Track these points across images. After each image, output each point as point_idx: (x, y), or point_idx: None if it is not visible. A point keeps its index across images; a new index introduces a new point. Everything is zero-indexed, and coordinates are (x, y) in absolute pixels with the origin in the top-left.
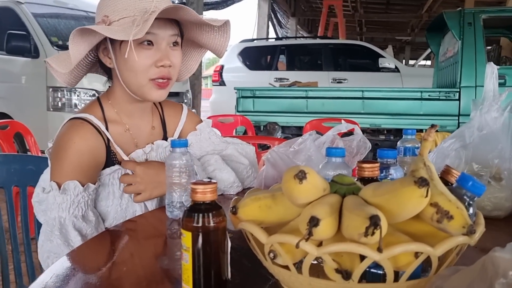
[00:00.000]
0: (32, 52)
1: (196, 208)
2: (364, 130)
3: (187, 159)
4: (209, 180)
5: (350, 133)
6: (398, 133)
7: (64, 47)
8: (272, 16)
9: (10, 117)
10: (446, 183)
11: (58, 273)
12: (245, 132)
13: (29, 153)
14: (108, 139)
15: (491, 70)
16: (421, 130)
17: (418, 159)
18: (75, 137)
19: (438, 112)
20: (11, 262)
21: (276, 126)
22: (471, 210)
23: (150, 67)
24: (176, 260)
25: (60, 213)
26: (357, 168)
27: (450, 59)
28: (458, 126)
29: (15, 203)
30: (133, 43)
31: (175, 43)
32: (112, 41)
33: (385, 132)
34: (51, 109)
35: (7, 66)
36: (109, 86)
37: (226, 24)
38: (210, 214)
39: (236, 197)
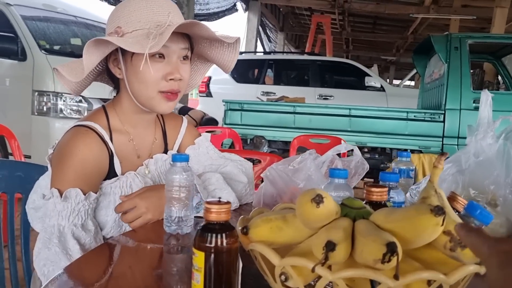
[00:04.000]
0: (19, 54)
1: (210, 228)
2: None
3: (188, 174)
4: (222, 200)
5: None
6: (382, 152)
7: (52, 51)
8: (261, 30)
9: None
10: (452, 209)
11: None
12: (232, 145)
13: (11, 157)
14: (111, 149)
15: (486, 97)
16: (405, 150)
17: (429, 186)
18: (80, 144)
19: (423, 133)
20: None
21: (263, 140)
22: None
23: (161, 79)
24: (172, 276)
25: (60, 221)
26: (365, 192)
27: (435, 81)
28: (442, 148)
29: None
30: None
31: (185, 57)
32: (123, 52)
33: (369, 150)
34: (36, 113)
35: None
36: (114, 96)
37: (237, 41)
38: (224, 235)
39: (242, 216)
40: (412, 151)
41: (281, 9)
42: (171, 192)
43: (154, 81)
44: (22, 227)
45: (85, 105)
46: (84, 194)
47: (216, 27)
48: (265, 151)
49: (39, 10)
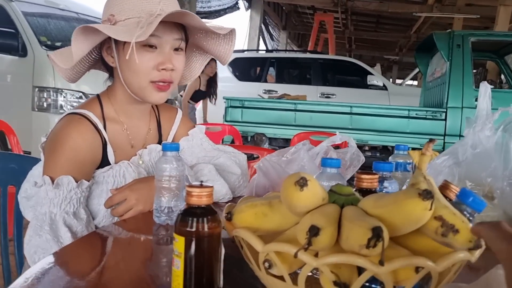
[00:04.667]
0: (20, 50)
1: (191, 212)
2: None
3: (178, 164)
4: (205, 184)
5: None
6: (384, 150)
7: (53, 47)
8: (264, 28)
9: None
10: (444, 198)
11: (39, 275)
12: (232, 142)
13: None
14: (105, 137)
15: (485, 90)
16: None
17: (418, 173)
18: (73, 132)
19: (424, 131)
20: None
21: (264, 137)
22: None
23: (152, 69)
24: (162, 267)
25: (51, 208)
26: (356, 179)
27: (437, 79)
28: (444, 146)
29: None
30: (136, 45)
31: (179, 48)
32: (116, 40)
33: (371, 148)
34: (36, 109)
35: None
36: (109, 85)
37: (231, 32)
38: (205, 219)
39: (229, 203)
40: (414, 149)
41: (283, 8)
42: (161, 182)
43: (145, 71)
44: (15, 219)
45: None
46: (76, 181)
47: (218, 24)
48: (266, 148)
49: (41, 7)
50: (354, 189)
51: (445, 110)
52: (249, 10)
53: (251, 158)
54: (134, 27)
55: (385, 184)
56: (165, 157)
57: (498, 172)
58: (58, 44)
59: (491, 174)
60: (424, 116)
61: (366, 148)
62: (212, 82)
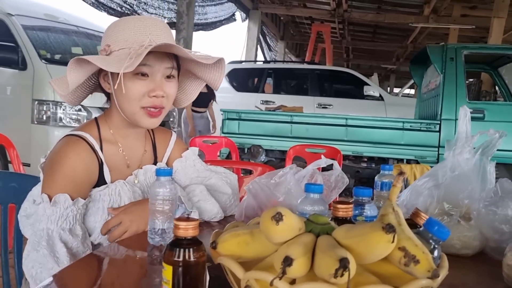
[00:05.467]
0: (20, 64)
1: (178, 243)
2: (346, 157)
3: (171, 187)
4: (190, 216)
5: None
6: (379, 161)
7: (52, 61)
8: (261, 38)
9: None
10: (415, 225)
11: None
12: (229, 154)
13: (10, 165)
14: (101, 158)
15: (464, 113)
16: (401, 160)
17: (387, 204)
18: (70, 152)
19: (418, 142)
20: None
21: (260, 149)
22: (436, 253)
23: (143, 96)
24: (155, 286)
25: (49, 224)
26: (332, 207)
27: (432, 91)
28: (438, 157)
29: None
30: (129, 73)
31: (171, 75)
32: None
33: (367, 159)
34: (36, 122)
35: None
36: (107, 108)
37: (220, 61)
38: (191, 250)
39: (216, 230)
40: (408, 161)
41: (281, 18)
42: (155, 205)
43: (137, 97)
44: (15, 235)
45: (84, 113)
46: (73, 199)
47: (216, 36)
48: (262, 160)
49: (40, 20)
50: (331, 218)
51: (439, 122)
52: (246, 21)
53: (248, 173)
54: (125, 57)
55: (366, 207)
56: (158, 182)
57: (475, 194)
58: (57, 57)
59: (468, 196)
60: (419, 128)
61: (363, 159)
62: None
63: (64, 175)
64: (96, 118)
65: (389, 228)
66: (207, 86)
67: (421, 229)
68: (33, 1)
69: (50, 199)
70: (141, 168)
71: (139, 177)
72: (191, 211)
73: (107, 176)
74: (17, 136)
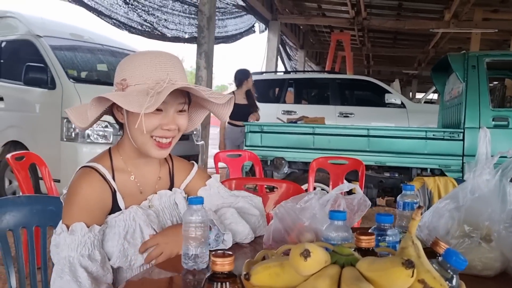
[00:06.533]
0: (49, 83)
1: (215, 277)
2: (369, 167)
3: (203, 214)
4: (227, 252)
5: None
6: (402, 170)
7: (79, 80)
8: (281, 48)
9: (23, 145)
10: (435, 253)
11: None
12: (252, 167)
13: (41, 182)
14: (113, 186)
15: (484, 134)
16: (425, 169)
17: (407, 237)
18: (82, 183)
19: (442, 151)
20: None
21: (283, 161)
22: (454, 282)
23: (156, 128)
24: None
25: (69, 252)
26: (355, 239)
27: (454, 99)
28: (462, 166)
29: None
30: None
31: (183, 110)
32: None
33: (390, 169)
34: (65, 139)
35: (23, 96)
36: (120, 139)
37: (230, 100)
38: (228, 283)
39: (248, 260)
40: (432, 170)
41: (301, 27)
42: (188, 232)
43: (150, 130)
44: (42, 259)
45: (110, 130)
46: (88, 227)
47: (237, 48)
48: (285, 172)
49: (67, 40)
50: (354, 249)
51: (462, 130)
52: (266, 32)
53: (272, 189)
54: (143, 95)
55: (388, 232)
56: (190, 209)
57: (495, 216)
58: (83, 75)
59: (489, 217)
60: (442, 137)
61: (386, 169)
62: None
63: (79, 204)
64: (109, 149)
65: (409, 264)
66: (246, 96)
67: (440, 259)
68: (59, 22)
69: (68, 228)
70: (156, 193)
71: (154, 202)
72: (224, 233)
73: (121, 203)
74: (48, 153)
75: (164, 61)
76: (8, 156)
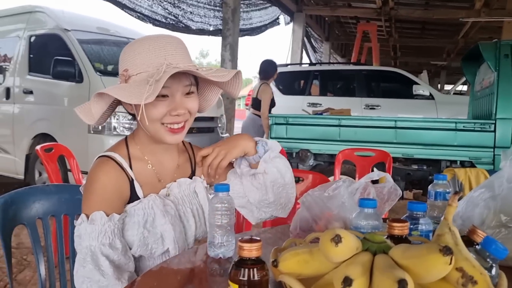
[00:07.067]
0: (77, 77)
1: (242, 263)
2: (396, 159)
3: (229, 202)
4: (254, 238)
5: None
6: (431, 163)
7: (106, 73)
8: (306, 40)
9: (52, 138)
10: (472, 242)
11: None
12: None
13: (70, 174)
14: (131, 175)
15: None
16: (455, 162)
17: (443, 223)
18: (99, 173)
19: (472, 143)
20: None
21: (309, 153)
22: (493, 271)
23: (165, 115)
24: None
25: (90, 241)
26: (388, 226)
27: (485, 89)
28: (494, 158)
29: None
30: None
31: (190, 91)
32: None
33: (418, 161)
34: (92, 132)
35: (51, 89)
36: (135, 128)
37: (237, 74)
38: (255, 269)
39: (275, 247)
40: (462, 163)
41: (326, 19)
42: (214, 219)
43: (158, 118)
44: (71, 248)
45: (132, 121)
46: (107, 216)
47: (261, 40)
48: (311, 164)
49: (93, 34)
50: (386, 236)
51: (494, 121)
52: (291, 24)
53: (296, 181)
54: (144, 84)
55: (420, 221)
56: (216, 197)
57: None
58: (110, 68)
59: None
60: (472, 128)
61: (414, 161)
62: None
63: (97, 194)
64: (126, 137)
65: (447, 251)
66: None
67: (478, 247)
68: (86, 16)
69: (88, 218)
70: (175, 181)
71: (173, 190)
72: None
73: (139, 191)
74: (76, 145)
75: (163, 44)
76: (38, 147)
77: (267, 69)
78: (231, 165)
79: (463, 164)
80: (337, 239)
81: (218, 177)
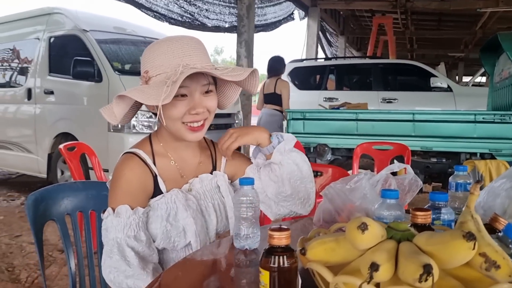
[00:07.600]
0: (96, 76)
1: (272, 250)
2: (414, 153)
3: (253, 195)
4: (283, 227)
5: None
6: (450, 155)
7: (124, 72)
8: (321, 35)
9: (73, 137)
10: (494, 229)
11: None
12: None
13: (91, 171)
14: (155, 171)
15: None
16: (474, 154)
17: (466, 211)
18: (125, 169)
19: (492, 135)
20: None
21: (326, 148)
22: None
23: (185, 114)
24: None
25: (116, 233)
26: (411, 215)
27: (505, 80)
28: None
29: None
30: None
31: (208, 90)
32: None
33: (437, 154)
34: (112, 130)
35: (72, 89)
36: (159, 125)
37: (253, 72)
38: (285, 257)
39: (302, 236)
40: (482, 155)
41: (341, 13)
42: (240, 212)
43: (178, 117)
44: (99, 243)
45: (155, 120)
46: (132, 209)
47: (276, 36)
48: (328, 158)
49: (111, 34)
50: (410, 225)
51: None
52: (305, 19)
53: (314, 175)
54: (162, 85)
55: (442, 211)
56: (242, 190)
57: None
58: (127, 67)
59: None
60: (492, 120)
61: (433, 154)
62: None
63: (122, 189)
64: (150, 135)
65: (470, 236)
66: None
67: (500, 234)
68: (103, 16)
69: (114, 211)
70: (197, 177)
71: (195, 186)
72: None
73: (162, 187)
74: (96, 143)
75: (181, 46)
76: (61, 146)
77: (275, 65)
78: (249, 160)
79: (483, 156)
80: (363, 227)
81: (232, 159)
